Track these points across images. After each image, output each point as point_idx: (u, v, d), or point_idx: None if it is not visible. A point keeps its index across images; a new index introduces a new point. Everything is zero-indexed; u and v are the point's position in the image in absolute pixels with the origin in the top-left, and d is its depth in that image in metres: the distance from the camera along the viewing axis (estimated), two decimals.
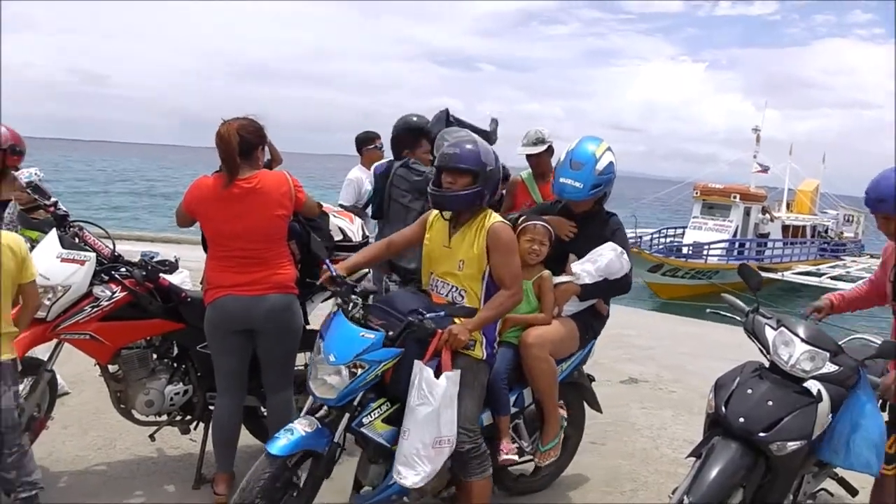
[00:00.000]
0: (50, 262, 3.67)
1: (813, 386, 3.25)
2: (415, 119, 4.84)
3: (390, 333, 3.24)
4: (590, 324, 4.14)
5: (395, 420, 3.31)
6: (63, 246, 3.76)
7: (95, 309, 3.74)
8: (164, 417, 4.10)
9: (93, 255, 3.78)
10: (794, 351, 3.26)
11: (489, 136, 4.80)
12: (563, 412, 4.15)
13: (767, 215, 29.43)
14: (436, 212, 3.63)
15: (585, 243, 3.98)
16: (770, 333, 3.37)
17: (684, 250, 26.69)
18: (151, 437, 4.14)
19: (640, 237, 27.45)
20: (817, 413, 3.19)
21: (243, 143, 3.61)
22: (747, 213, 28.34)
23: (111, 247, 3.99)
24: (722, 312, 3.76)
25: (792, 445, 3.13)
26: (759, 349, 3.43)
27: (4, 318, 3.31)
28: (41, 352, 3.91)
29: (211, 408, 4.06)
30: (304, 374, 4.32)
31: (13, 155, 4.82)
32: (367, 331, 3.25)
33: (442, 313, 3.30)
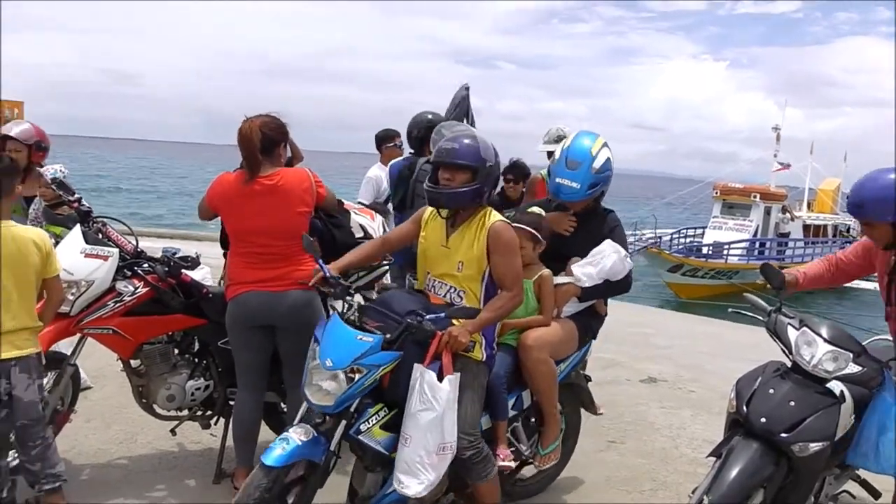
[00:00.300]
0: (74, 258, 3.70)
1: (836, 387, 3.23)
2: (430, 116, 4.84)
3: (388, 336, 3.11)
4: (588, 325, 4.04)
5: (394, 426, 3.18)
6: (87, 242, 3.80)
7: (118, 304, 3.77)
8: (185, 412, 4.13)
9: (116, 250, 3.82)
10: (817, 351, 3.23)
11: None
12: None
13: (788, 214, 29.23)
14: (431, 209, 3.50)
15: (583, 241, 3.88)
16: (792, 333, 3.34)
17: (704, 250, 26.56)
18: (172, 431, 4.18)
19: (660, 237, 27.35)
20: (840, 414, 3.17)
21: (265, 141, 3.62)
22: (767, 212, 28.17)
23: (134, 243, 4.02)
24: (744, 312, 3.71)
25: (814, 447, 3.11)
26: (782, 349, 3.40)
27: (29, 312, 3.35)
28: (64, 346, 3.95)
29: (231, 403, 4.09)
30: None
31: (38, 151, 4.89)
32: (365, 334, 3.12)
33: (442, 315, 3.17)
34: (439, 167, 3.35)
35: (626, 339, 8.27)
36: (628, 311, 11.09)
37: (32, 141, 4.87)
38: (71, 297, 3.68)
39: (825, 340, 3.25)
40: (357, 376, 3.03)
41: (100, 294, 3.75)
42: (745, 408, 3.25)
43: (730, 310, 3.86)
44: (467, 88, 5.05)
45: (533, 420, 3.91)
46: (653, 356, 7.68)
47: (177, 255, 3.96)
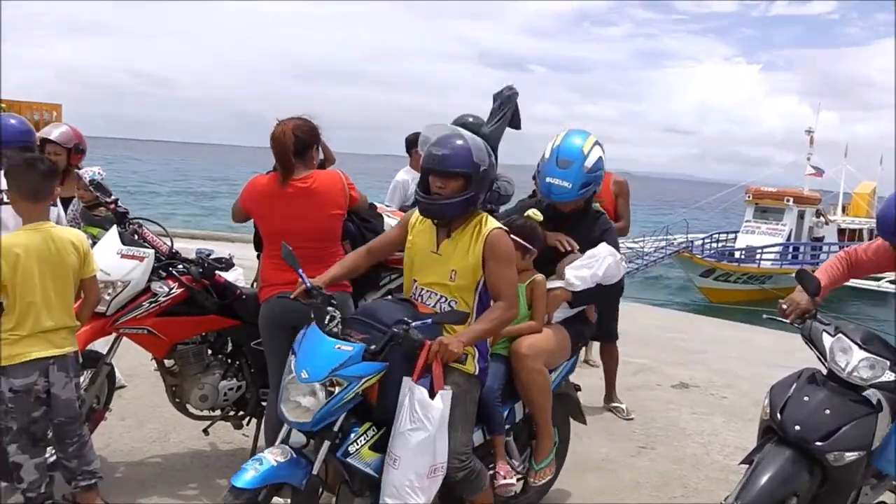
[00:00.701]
0: (110, 258, 3.76)
1: (872, 395, 3.17)
2: (471, 119, 4.83)
3: (372, 347, 2.91)
4: (580, 331, 3.90)
5: (383, 447, 2.96)
6: (123, 243, 3.85)
7: (153, 304, 3.82)
8: (218, 412, 4.18)
9: (151, 251, 3.86)
10: (852, 358, 3.18)
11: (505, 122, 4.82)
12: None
13: (822, 218, 28.85)
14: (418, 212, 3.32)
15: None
16: (827, 340, 3.29)
17: (737, 255, 26.31)
18: (205, 431, 4.22)
19: (692, 241, 27.14)
20: (877, 423, 3.12)
21: (298, 143, 3.65)
22: (801, 216, 27.83)
23: (169, 244, 4.07)
24: (778, 318, 3.66)
25: (850, 456, 3.06)
26: (817, 356, 3.35)
27: (67, 311, 3.41)
28: (100, 345, 4.00)
29: (263, 404, 4.12)
30: None
31: (76, 154, 4.98)
32: (344, 343, 2.91)
33: (429, 321, 2.98)
34: (430, 173, 3.15)
35: (658, 344, 8.22)
36: (660, 315, 11.03)
37: (71, 144, 4.96)
38: (107, 297, 3.73)
39: (861, 347, 3.20)
40: (337, 389, 2.82)
41: (135, 294, 3.80)
42: (778, 415, 3.21)
43: (764, 316, 3.80)
44: (511, 88, 4.97)
45: (523, 433, 3.76)
46: (684, 361, 7.61)
47: (210, 257, 4.00)
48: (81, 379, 3.67)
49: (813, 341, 3.35)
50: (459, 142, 3.14)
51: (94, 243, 3.89)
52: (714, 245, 28.47)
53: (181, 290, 3.86)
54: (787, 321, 3.49)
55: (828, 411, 3.13)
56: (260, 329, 3.84)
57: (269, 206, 3.71)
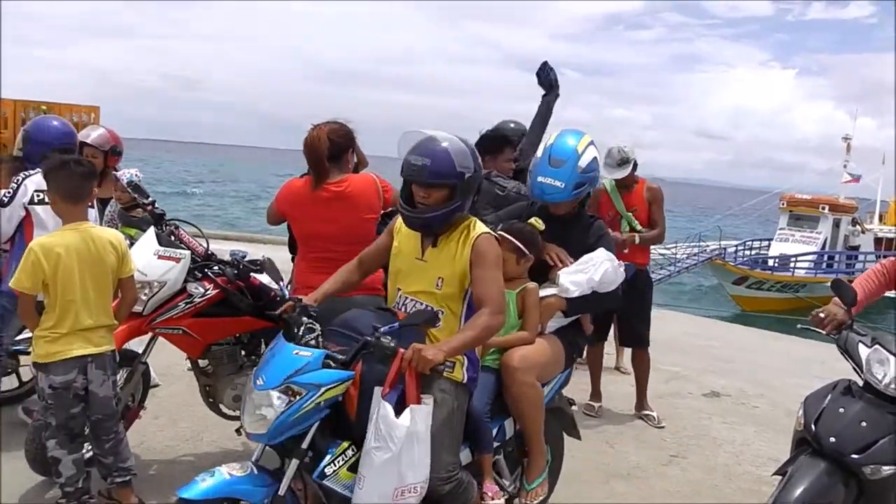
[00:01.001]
0: (147, 259, 3.81)
1: None
2: (512, 126, 4.82)
3: (340, 357, 2.73)
4: (574, 342, 3.70)
5: None
6: (160, 243, 3.90)
7: (189, 305, 3.86)
8: None
9: (188, 252, 3.91)
10: (890, 370, 3.13)
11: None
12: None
13: (858, 227, 28.40)
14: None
15: (568, 251, 3.59)
16: (864, 351, 3.23)
17: (770, 262, 25.99)
18: (238, 431, 4.23)
19: (724, 248, 26.87)
20: None
21: (333, 147, 3.67)
22: (836, 224, 27.42)
23: (205, 245, 4.12)
24: (813, 328, 3.60)
25: (887, 470, 3.01)
26: (853, 367, 3.30)
27: (106, 310, 3.46)
28: (135, 344, 4.06)
29: None
30: None
31: (113, 155, 5.08)
32: (304, 348, 2.74)
33: (395, 325, 2.77)
34: (412, 184, 2.97)
35: (689, 352, 8.15)
36: (692, 323, 10.93)
37: (108, 146, 5.06)
38: (144, 297, 3.78)
39: None
40: (296, 399, 2.62)
41: (171, 295, 3.85)
42: (813, 426, 3.17)
43: (799, 326, 3.72)
44: (546, 71, 4.92)
45: (513, 450, 3.55)
46: (716, 370, 7.54)
47: (245, 259, 4.04)
48: (118, 377, 3.73)
49: (849, 352, 3.30)
50: (440, 149, 2.89)
51: (131, 244, 3.94)
52: (747, 252, 28.16)
53: (216, 291, 3.91)
54: (823, 332, 3.44)
55: (864, 423, 3.08)
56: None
57: (304, 209, 3.74)
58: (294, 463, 2.69)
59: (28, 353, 4.01)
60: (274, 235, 13.55)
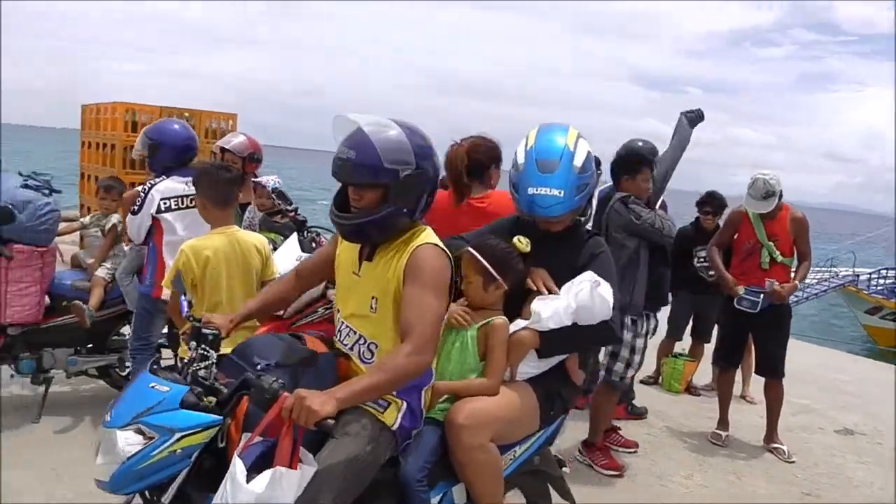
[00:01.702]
0: (290, 264, 3.93)
1: None
2: (640, 144, 4.78)
3: (209, 397, 2.25)
4: (556, 392, 2.89)
5: None
6: (302, 250, 4.05)
7: (328, 311, 3.98)
8: None
9: None
10: None
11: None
12: None
13: None
14: None
15: (555, 273, 2.86)
16: None
17: None
18: None
19: (858, 276, 25.53)
20: None
21: (473, 164, 3.67)
22: None
23: None
24: None
25: None
26: None
27: None
28: None
29: None
30: None
31: (251, 162, 5.31)
32: (164, 381, 2.26)
33: (271, 362, 2.33)
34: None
35: (819, 384, 7.78)
36: (819, 354, 10.44)
37: (246, 153, 5.29)
38: None
39: None
40: (148, 443, 2.15)
41: (312, 300, 3.98)
42: None
43: None
44: (700, 116, 4.83)
45: None
46: (848, 405, 7.17)
47: None
48: None
49: None
50: (366, 141, 2.31)
51: (274, 248, 4.10)
52: (882, 281, 26.67)
53: None
54: None
55: None
56: None
57: (444, 222, 3.78)
58: None
59: (167, 347, 4.25)
60: None
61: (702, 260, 6.27)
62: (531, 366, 2.81)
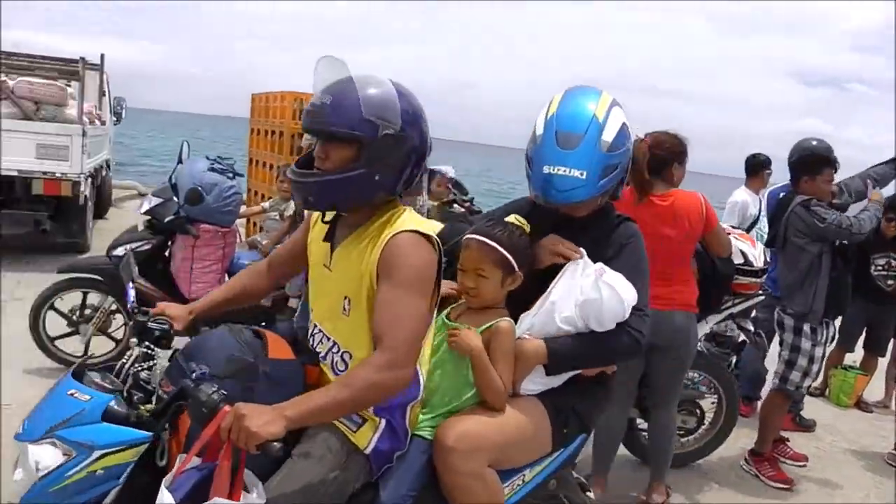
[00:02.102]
0: None
1: None
2: (814, 143, 4.58)
3: (145, 407, 1.95)
4: (568, 407, 2.36)
5: None
6: None
7: None
8: None
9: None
10: None
11: None
12: None
13: None
14: None
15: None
16: None
17: None
18: None
19: None
20: None
21: (654, 160, 3.60)
22: None
23: None
24: None
25: None
26: None
27: None
28: None
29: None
30: (690, 394, 4.30)
31: None
32: (87, 389, 1.92)
33: (204, 370, 1.89)
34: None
35: None
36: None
37: None
38: None
39: None
40: (65, 461, 1.84)
41: None
42: None
43: None
44: None
45: None
46: None
47: None
48: None
49: None
50: (349, 88, 1.94)
51: None
52: None
53: None
54: None
55: None
56: None
57: None
58: None
59: None
60: None
61: (880, 268, 5.93)
62: (537, 381, 2.31)
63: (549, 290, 2.29)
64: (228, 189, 5.01)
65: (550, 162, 2.32)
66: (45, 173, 7.75)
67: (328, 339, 2.09)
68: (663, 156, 3.66)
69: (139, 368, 1.99)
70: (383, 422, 2.03)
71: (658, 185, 3.65)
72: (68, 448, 1.83)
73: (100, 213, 10.79)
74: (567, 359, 2.27)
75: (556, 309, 2.25)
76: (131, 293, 2.28)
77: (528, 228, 2.34)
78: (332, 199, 1.99)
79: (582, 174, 2.29)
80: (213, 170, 5.02)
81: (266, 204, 5.70)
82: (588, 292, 2.20)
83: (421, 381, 2.10)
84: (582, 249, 2.32)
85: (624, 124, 2.39)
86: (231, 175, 5.14)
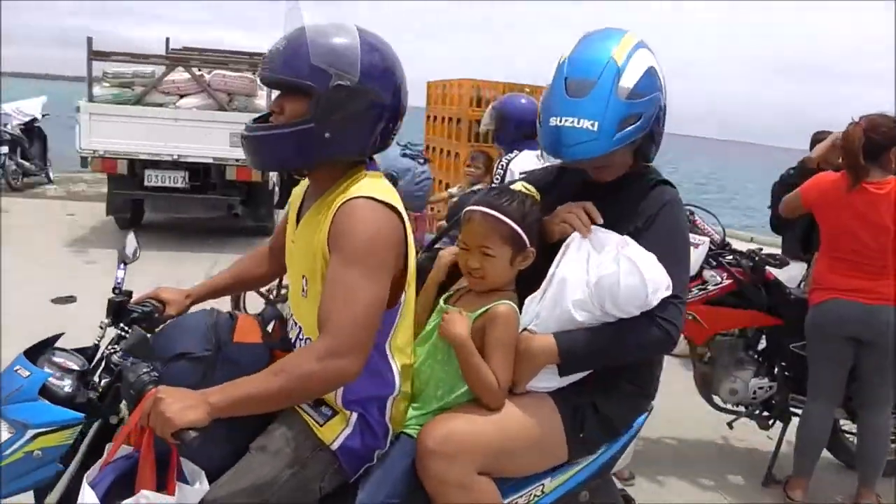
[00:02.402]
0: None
1: None
2: None
3: (85, 390, 1.83)
4: (587, 403, 1.99)
5: None
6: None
7: (701, 292, 3.88)
8: (743, 409, 4.13)
9: (707, 239, 3.92)
10: None
11: None
12: None
13: None
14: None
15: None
16: None
17: None
18: (730, 425, 4.17)
19: None
20: None
21: (870, 144, 3.41)
22: None
23: (722, 234, 4.09)
24: None
25: None
26: None
27: None
28: None
29: (791, 409, 3.99)
30: None
31: None
32: (30, 366, 1.82)
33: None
34: None
35: None
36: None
37: None
38: None
39: None
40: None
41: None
42: None
43: None
44: None
45: None
46: None
47: (763, 252, 3.95)
48: None
49: None
50: (300, 34, 1.76)
51: None
52: None
53: (730, 281, 3.86)
54: None
55: None
56: (806, 333, 3.70)
57: (836, 206, 3.53)
58: None
59: None
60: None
61: None
62: (549, 378, 1.96)
63: (553, 266, 1.95)
64: (421, 174, 5.13)
65: (558, 113, 1.99)
66: (237, 160, 8.23)
67: (295, 324, 1.91)
68: (880, 140, 3.45)
69: (111, 351, 1.87)
70: (355, 416, 1.81)
71: (874, 171, 3.45)
72: (9, 426, 1.74)
73: (282, 204, 11.36)
74: (583, 358, 1.93)
75: (565, 291, 1.89)
76: (119, 273, 2.09)
77: (538, 197, 2.09)
78: (278, 157, 1.84)
79: (593, 125, 1.93)
80: (405, 155, 5.13)
81: (454, 189, 5.76)
82: (603, 267, 1.85)
83: (395, 371, 1.86)
84: (598, 215, 1.97)
85: (651, 68, 2.01)
86: (423, 160, 5.23)
